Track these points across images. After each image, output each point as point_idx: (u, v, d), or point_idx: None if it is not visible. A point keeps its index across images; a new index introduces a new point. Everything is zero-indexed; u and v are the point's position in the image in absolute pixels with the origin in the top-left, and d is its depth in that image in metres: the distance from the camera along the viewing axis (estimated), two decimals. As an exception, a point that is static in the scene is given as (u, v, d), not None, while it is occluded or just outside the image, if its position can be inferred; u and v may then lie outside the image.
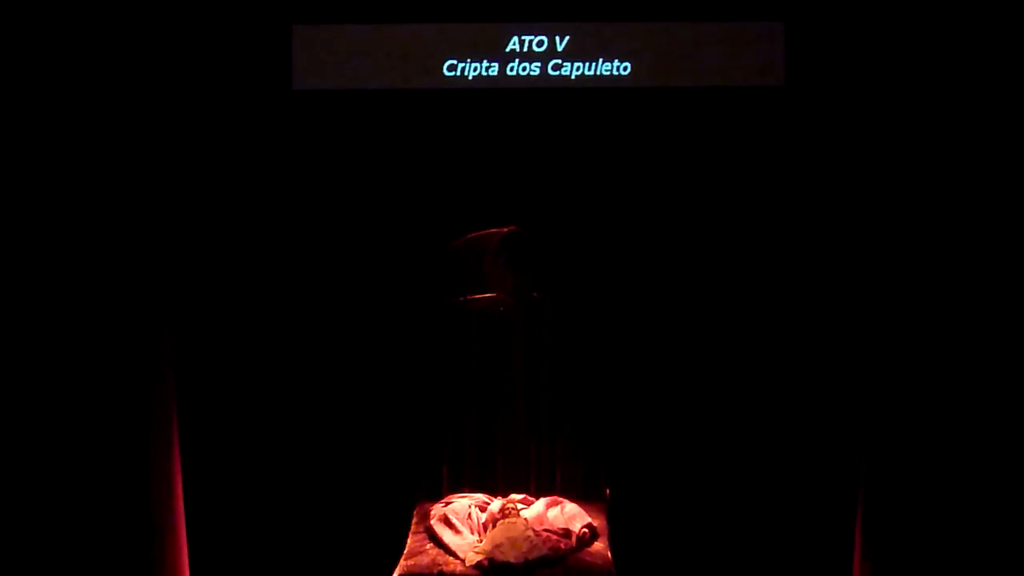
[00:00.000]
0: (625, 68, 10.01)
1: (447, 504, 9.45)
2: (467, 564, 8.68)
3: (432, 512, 9.35)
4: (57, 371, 8.72)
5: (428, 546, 9.01)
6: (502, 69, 10.02)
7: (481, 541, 8.91)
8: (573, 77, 10.02)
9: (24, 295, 8.76)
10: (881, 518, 8.96)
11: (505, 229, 9.95)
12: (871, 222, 9.88)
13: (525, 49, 10.01)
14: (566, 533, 9.06)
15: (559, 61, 10.00)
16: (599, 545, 9.06)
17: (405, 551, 8.96)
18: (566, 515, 9.26)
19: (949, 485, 8.89)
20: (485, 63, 10.01)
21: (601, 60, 10.00)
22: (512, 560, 8.57)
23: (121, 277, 8.96)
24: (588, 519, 9.23)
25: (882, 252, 9.88)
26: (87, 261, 8.83)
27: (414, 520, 9.40)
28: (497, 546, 8.69)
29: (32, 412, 8.69)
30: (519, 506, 9.31)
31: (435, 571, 8.65)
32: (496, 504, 9.36)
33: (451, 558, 8.82)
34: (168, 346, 9.32)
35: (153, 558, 8.74)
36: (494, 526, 9.00)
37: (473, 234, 10.00)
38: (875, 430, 9.76)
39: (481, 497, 9.58)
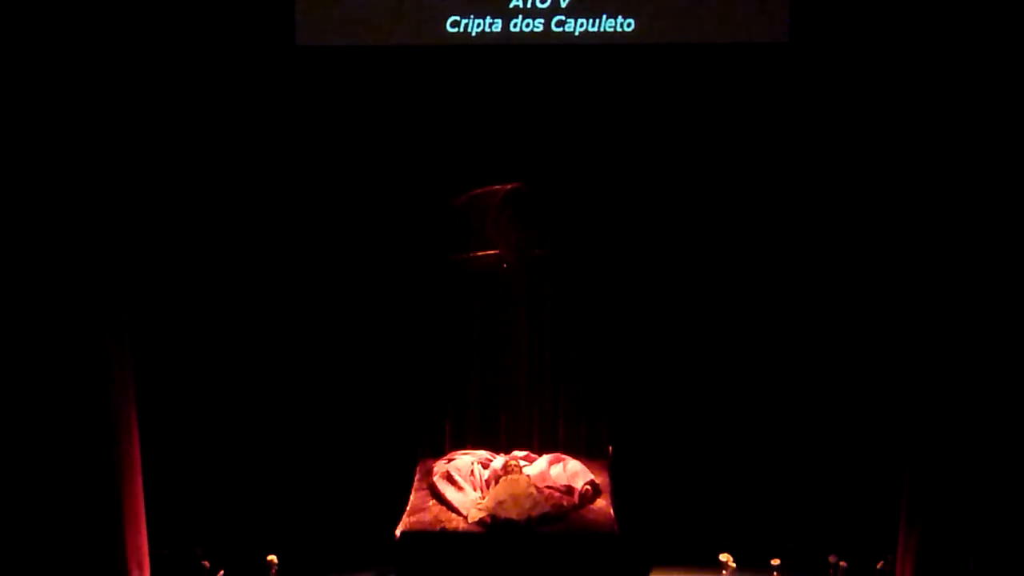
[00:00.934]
0: (628, 24, 9.95)
1: (450, 461, 9.47)
2: (470, 521, 8.72)
3: (435, 469, 9.38)
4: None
5: (431, 503, 9.05)
6: (505, 25, 9.96)
7: (484, 498, 8.94)
8: (576, 33, 9.97)
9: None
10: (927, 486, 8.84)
11: (508, 186, 9.93)
12: (877, 185, 9.90)
13: (528, 5, 9.94)
14: (569, 490, 9.08)
15: (562, 17, 9.94)
16: (602, 502, 9.09)
17: (408, 508, 9.00)
18: (569, 472, 9.28)
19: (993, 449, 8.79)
20: (488, 19, 9.96)
21: (604, 16, 9.94)
22: (515, 517, 8.60)
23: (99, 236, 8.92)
24: (591, 476, 9.25)
25: (883, 211, 9.92)
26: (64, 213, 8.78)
27: (417, 477, 9.43)
28: (500, 503, 8.71)
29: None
30: (522, 463, 9.34)
31: (438, 528, 8.68)
32: (499, 461, 9.39)
33: (454, 515, 8.85)
34: (125, 313, 9.18)
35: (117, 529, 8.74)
36: (497, 483, 9.04)
37: (476, 191, 9.98)
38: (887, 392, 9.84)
39: (484, 454, 9.60)
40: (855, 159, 9.98)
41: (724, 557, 9.20)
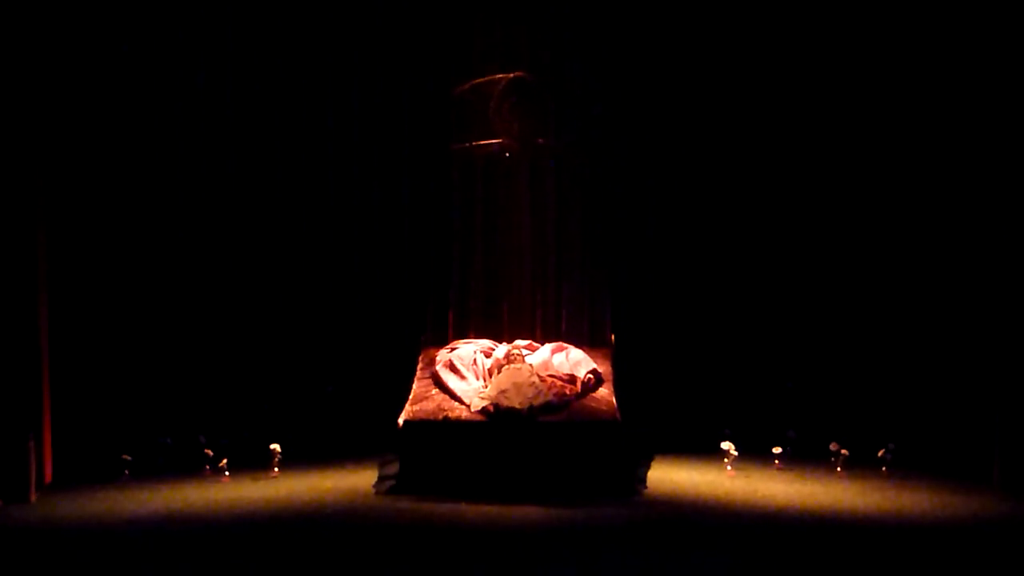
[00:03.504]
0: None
1: (453, 350, 9.46)
2: (472, 410, 8.73)
3: (437, 358, 9.37)
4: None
5: (433, 392, 9.06)
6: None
7: (486, 387, 8.94)
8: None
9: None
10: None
11: (511, 74, 9.81)
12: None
13: None
14: (571, 379, 9.07)
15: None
16: (604, 391, 9.09)
17: (411, 396, 9.01)
18: (571, 361, 9.27)
19: None
20: (490, -95, 9.82)
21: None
22: (517, 406, 8.60)
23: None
24: (593, 365, 9.24)
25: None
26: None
27: (419, 366, 9.42)
28: (502, 392, 8.72)
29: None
30: (524, 352, 9.33)
31: (440, 416, 8.70)
32: (501, 350, 9.37)
33: (456, 404, 8.86)
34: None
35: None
36: (499, 372, 9.02)
37: (478, 79, 9.87)
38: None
39: (487, 343, 9.59)
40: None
41: (726, 445, 9.22)
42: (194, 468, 9.25)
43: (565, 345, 9.52)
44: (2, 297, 8.57)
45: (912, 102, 9.88)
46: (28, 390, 8.63)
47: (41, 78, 8.90)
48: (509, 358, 9.18)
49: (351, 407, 10.16)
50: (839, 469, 9.16)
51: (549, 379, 9.01)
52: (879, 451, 9.19)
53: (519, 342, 9.55)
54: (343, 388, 10.26)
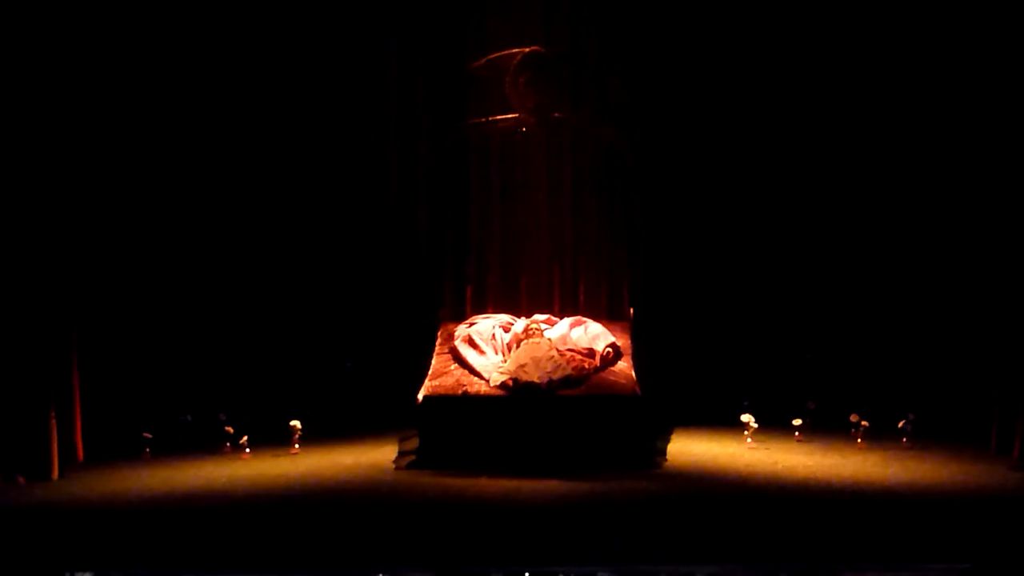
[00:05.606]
0: None
1: (471, 325, 9.48)
2: (491, 384, 8.73)
3: (456, 333, 9.39)
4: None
5: (452, 367, 9.07)
6: None
7: (505, 362, 8.95)
8: None
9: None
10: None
11: (526, 49, 9.80)
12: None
13: None
14: (590, 353, 9.09)
15: None
16: (623, 364, 9.10)
17: (430, 372, 9.03)
18: (590, 335, 9.29)
19: None
20: None
21: None
22: (536, 380, 8.61)
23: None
24: (612, 338, 9.25)
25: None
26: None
27: (438, 341, 9.45)
28: (521, 366, 8.73)
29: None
30: (543, 326, 9.34)
31: (459, 391, 8.71)
32: (520, 325, 9.39)
33: (475, 378, 8.87)
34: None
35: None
36: (518, 347, 9.05)
37: (493, 54, 9.86)
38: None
39: (505, 318, 9.61)
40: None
41: (746, 418, 9.20)
42: (214, 445, 9.27)
43: (584, 319, 9.54)
44: (32, 278, 8.60)
45: (933, 75, 9.85)
46: (57, 370, 8.66)
47: (66, 81, 8.94)
48: (528, 332, 9.20)
49: (370, 383, 10.17)
50: (859, 440, 9.12)
51: (568, 353, 9.03)
52: (899, 422, 9.16)
53: (538, 316, 9.56)
54: (362, 364, 10.26)
